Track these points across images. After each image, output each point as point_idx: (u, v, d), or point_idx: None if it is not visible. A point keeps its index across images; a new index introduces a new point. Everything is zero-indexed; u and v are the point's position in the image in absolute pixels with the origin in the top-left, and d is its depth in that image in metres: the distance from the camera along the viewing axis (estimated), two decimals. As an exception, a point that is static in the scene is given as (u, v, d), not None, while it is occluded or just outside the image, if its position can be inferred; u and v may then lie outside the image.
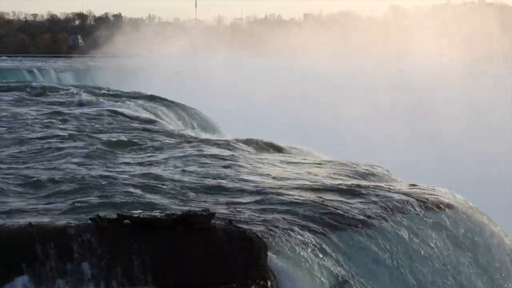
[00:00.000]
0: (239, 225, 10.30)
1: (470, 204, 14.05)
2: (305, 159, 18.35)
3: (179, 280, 9.53)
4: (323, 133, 45.27)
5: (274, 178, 14.58)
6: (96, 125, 22.23)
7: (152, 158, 16.33)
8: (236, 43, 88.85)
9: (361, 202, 12.61)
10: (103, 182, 13.03)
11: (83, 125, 21.97)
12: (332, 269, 10.50)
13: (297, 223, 11.28)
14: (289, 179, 14.55)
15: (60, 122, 22.23)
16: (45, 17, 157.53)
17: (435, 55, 72.54)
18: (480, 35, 75.57)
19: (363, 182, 14.87)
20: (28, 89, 37.65)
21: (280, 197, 12.74)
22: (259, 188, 13.42)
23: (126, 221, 9.78)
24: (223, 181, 13.94)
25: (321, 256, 10.58)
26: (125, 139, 19.30)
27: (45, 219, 10.16)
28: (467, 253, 12.56)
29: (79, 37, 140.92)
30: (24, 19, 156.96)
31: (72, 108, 28.32)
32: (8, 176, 13.66)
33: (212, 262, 9.66)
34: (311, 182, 14.31)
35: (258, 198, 12.65)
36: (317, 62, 70.38)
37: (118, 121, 23.74)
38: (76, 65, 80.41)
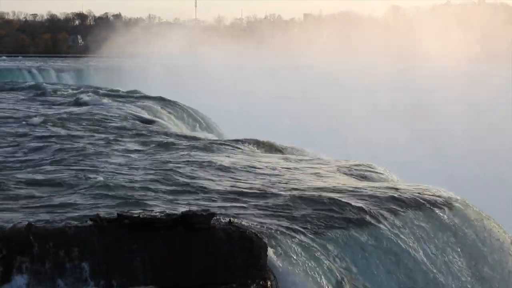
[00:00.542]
0: (238, 225, 10.29)
1: (469, 204, 14.04)
2: (304, 159, 18.34)
3: (179, 280, 9.53)
4: (323, 133, 45.33)
5: (274, 178, 14.57)
6: (95, 125, 22.21)
7: (151, 158, 16.32)
8: (236, 43, 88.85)
9: (361, 203, 12.60)
10: (103, 182, 13.02)
11: (83, 125, 21.95)
12: (331, 269, 10.49)
13: (296, 223, 11.28)
14: (289, 179, 14.54)
15: (59, 122, 22.20)
16: (45, 17, 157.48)
17: (436, 55, 72.51)
18: (481, 35, 75.55)
19: (363, 183, 14.87)
20: (28, 89, 37.67)
21: (280, 197, 12.74)
22: (259, 188, 13.42)
23: (126, 221, 9.77)
24: (222, 181, 13.94)
25: (320, 256, 10.57)
26: (124, 139, 19.30)
27: (45, 219, 10.14)
28: (468, 254, 12.56)
29: (79, 37, 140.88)
30: (24, 19, 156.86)
31: (71, 107, 28.31)
32: (8, 176, 13.65)
33: (212, 262, 9.66)
34: (310, 182, 14.30)
35: (257, 198, 12.65)
36: (318, 62, 70.42)
37: (117, 121, 23.72)
38: (76, 65, 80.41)
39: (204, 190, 13.11)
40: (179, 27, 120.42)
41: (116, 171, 14.33)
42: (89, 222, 9.77)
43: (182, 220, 9.82)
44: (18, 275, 9.11)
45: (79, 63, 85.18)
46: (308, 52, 79.45)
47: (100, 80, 61.55)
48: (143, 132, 21.23)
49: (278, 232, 10.74)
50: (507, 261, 13.07)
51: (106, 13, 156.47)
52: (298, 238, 10.72)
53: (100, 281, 9.31)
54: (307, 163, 17.23)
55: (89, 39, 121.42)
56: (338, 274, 10.49)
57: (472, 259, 12.53)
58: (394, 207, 12.65)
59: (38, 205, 11.45)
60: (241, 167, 15.49)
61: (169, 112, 30.95)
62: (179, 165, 15.37)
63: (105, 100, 30.78)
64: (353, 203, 12.51)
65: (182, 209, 10.79)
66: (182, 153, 17.08)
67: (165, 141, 19.30)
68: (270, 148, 19.91)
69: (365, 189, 13.65)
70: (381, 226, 11.90)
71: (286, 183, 14.06)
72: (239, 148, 18.73)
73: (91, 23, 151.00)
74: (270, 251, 10.04)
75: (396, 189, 13.96)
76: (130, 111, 27.20)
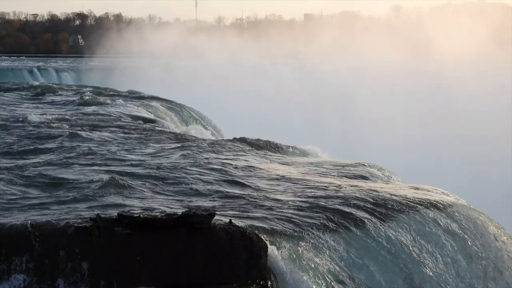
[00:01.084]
0: (239, 224, 10.27)
1: (470, 205, 14.03)
2: (305, 159, 18.34)
3: (179, 280, 9.52)
4: (324, 134, 45.32)
5: (274, 177, 14.56)
6: (96, 125, 22.20)
7: (152, 158, 16.31)
8: (237, 43, 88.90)
9: (361, 203, 12.59)
10: (103, 182, 13.01)
11: (83, 125, 21.94)
12: (332, 269, 10.48)
13: (297, 223, 11.26)
14: (290, 178, 14.53)
15: (59, 122, 22.20)
16: (46, 17, 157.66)
17: (439, 54, 72.43)
18: (486, 34, 75.39)
19: (364, 183, 14.84)
20: (29, 89, 37.68)
21: (280, 197, 12.73)
22: (259, 188, 13.41)
23: (126, 221, 9.76)
24: (223, 181, 13.93)
25: (321, 256, 10.56)
26: (125, 139, 19.29)
27: (45, 219, 10.13)
28: (468, 254, 12.55)
29: (79, 37, 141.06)
30: (24, 19, 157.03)
31: (72, 107, 28.32)
32: (8, 175, 13.65)
33: (212, 262, 9.65)
34: (311, 182, 14.29)
35: (258, 198, 12.64)
36: (320, 62, 70.51)
37: (118, 121, 23.72)
38: (77, 65, 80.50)
39: (203, 189, 13.10)
40: (180, 27, 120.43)
41: (117, 171, 14.32)
42: (90, 222, 9.75)
43: (183, 220, 9.81)
44: (18, 275, 9.11)
45: (79, 63, 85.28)
46: (309, 52, 79.49)
47: (100, 80, 61.63)
48: (144, 131, 21.22)
49: (279, 232, 10.73)
50: (509, 264, 13.05)
51: (106, 13, 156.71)
52: (299, 238, 10.71)
53: (101, 281, 9.30)
54: (308, 163, 17.22)
55: (90, 39, 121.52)
56: (338, 275, 10.48)
57: (473, 261, 12.52)
58: (395, 207, 12.63)
59: (38, 204, 11.44)
60: (241, 167, 15.48)
61: (170, 112, 30.97)
62: (179, 165, 15.36)
63: (106, 100, 30.79)
64: (354, 203, 12.50)
65: (183, 209, 10.78)
66: (182, 153, 17.07)
67: (165, 140, 19.30)
68: (269, 146, 19.89)
69: (366, 189, 13.64)
70: (383, 226, 11.88)
71: (286, 183, 14.05)
72: (238, 147, 18.71)
73: (92, 23, 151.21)
74: (270, 251, 10.02)
75: (398, 189, 13.95)
76: (130, 111, 27.20)
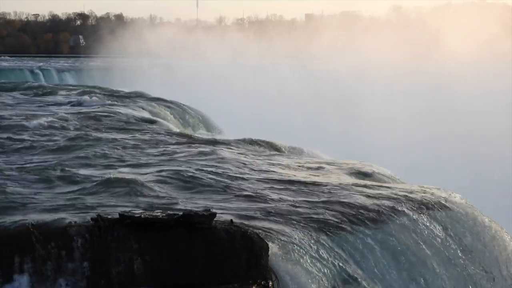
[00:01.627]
0: (240, 225, 10.29)
1: (471, 204, 14.04)
2: (306, 159, 18.34)
3: (180, 280, 9.53)
4: (327, 134, 45.30)
5: (275, 178, 14.57)
6: (97, 125, 22.23)
7: (152, 158, 16.33)
8: (238, 43, 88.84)
9: (363, 203, 12.60)
10: (104, 182, 13.03)
11: (84, 125, 21.96)
12: (333, 269, 10.49)
13: (298, 223, 11.27)
14: (291, 179, 14.54)
15: (60, 122, 22.22)
16: (47, 17, 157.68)
17: (444, 52, 72.24)
18: (486, 34, 75.23)
19: (365, 183, 14.85)
20: (30, 89, 37.71)
21: (281, 197, 12.74)
22: (260, 188, 13.42)
23: (128, 221, 9.78)
24: (223, 181, 13.93)
25: (322, 256, 10.57)
26: (126, 139, 19.30)
27: (47, 219, 10.15)
28: (469, 254, 12.56)
29: (80, 37, 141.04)
30: (25, 19, 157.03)
31: (72, 108, 28.34)
32: (9, 176, 13.67)
33: (213, 262, 9.66)
34: (312, 182, 14.30)
35: (258, 197, 12.65)
36: (322, 61, 70.42)
37: (119, 121, 23.75)
38: (78, 65, 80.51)
39: (204, 189, 13.11)
40: (181, 27, 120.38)
41: (117, 171, 14.34)
42: (91, 222, 9.77)
43: (184, 220, 9.82)
44: (20, 275, 9.13)
45: (80, 63, 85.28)
46: (309, 52, 79.42)
47: (101, 80, 61.58)
48: (146, 132, 21.24)
49: (280, 232, 10.74)
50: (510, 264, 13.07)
51: (107, 13, 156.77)
52: (300, 238, 10.72)
53: (101, 281, 9.32)
54: (309, 163, 17.22)
55: (91, 39, 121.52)
56: (341, 275, 10.49)
57: (474, 261, 12.53)
58: (396, 207, 12.64)
59: (39, 204, 11.46)
60: (242, 167, 15.49)
61: (171, 112, 30.99)
62: (179, 165, 15.38)
63: (107, 101, 30.82)
64: (355, 204, 12.51)
65: (184, 209, 10.80)
66: (182, 153, 17.09)
67: (166, 141, 19.31)
68: (269, 146, 19.91)
69: (368, 189, 13.65)
70: (385, 226, 11.89)
71: (287, 183, 14.06)
72: (238, 147, 18.73)
73: (93, 23, 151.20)
74: (271, 251, 10.04)
75: (399, 189, 13.96)
76: (131, 111, 27.22)
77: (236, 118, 42.87)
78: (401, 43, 75.98)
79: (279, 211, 11.80)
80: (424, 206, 12.95)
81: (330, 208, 12.14)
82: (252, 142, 19.94)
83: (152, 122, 25.10)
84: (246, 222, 10.66)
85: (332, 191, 13.43)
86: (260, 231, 10.37)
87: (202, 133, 27.07)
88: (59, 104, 30.11)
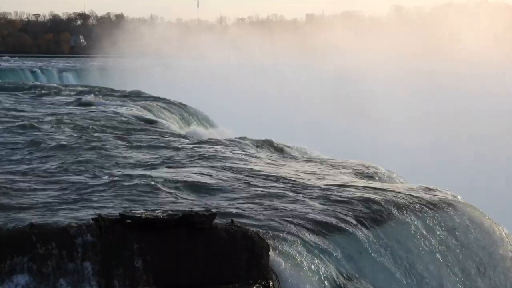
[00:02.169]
0: (241, 225, 10.28)
1: (472, 205, 14.03)
2: (306, 159, 18.34)
3: (180, 280, 9.53)
4: (327, 134, 45.32)
5: (276, 177, 14.57)
6: (97, 125, 22.23)
7: (153, 158, 16.33)
8: (238, 43, 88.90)
9: (364, 203, 12.59)
10: (105, 182, 13.03)
11: (84, 125, 21.97)
12: (334, 269, 10.49)
13: (299, 223, 11.27)
14: (291, 179, 14.53)
15: (61, 122, 22.23)
16: (47, 17, 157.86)
17: (444, 52, 72.26)
18: (486, 34, 75.24)
19: (369, 183, 14.85)
20: (31, 89, 37.74)
21: (282, 197, 12.74)
22: (261, 188, 13.41)
23: (128, 221, 9.78)
24: (224, 181, 13.94)
25: (323, 256, 10.57)
26: (126, 139, 19.31)
27: (47, 219, 10.15)
28: (469, 254, 12.55)
29: (81, 37, 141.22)
30: (26, 19, 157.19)
31: (73, 108, 28.35)
32: (9, 176, 13.67)
33: (214, 262, 9.65)
34: (313, 182, 14.30)
35: (259, 197, 12.65)
36: (324, 62, 70.47)
37: (119, 121, 23.75)
38: (78, 65, 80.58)
39: (204, 189, 13.11)
40: (182, 27, 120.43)
41: (118, 171, 14.34)
42: (91, 222, 9.77)
43: (184, 220, 9.82)
44: (20, 275, 9.12)
45: (81, 63, 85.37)
46: (310, 52, 79.47)
47: (102, 80, 61.68)
48: (146, 132, 21.25)
49: (281, 232, 10.74)
50: (509, 265, 13.05)
51: (108, 13, 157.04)
52: (301, 238, 10.72)
53: (102, 281, 9.32)
54: (311, 162, 17.23)
55: (91, 39, 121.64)
56: (341, 275, 10.49)
57: (474, 261, 12.52)
58: (397, 207, 12.63)
59: (40, 204, 11.46)
60: (242, 167, 15.49)
61: (171, 112, 31.00)
62: (179, 164, 15.38)
63: (108, 101, 30.84)
64: (356, 204, 12.50)
65: (185, 209, 10.79)
66: (182, 152, 17.09)
67: (166, 141, 19.32)
68: (271, 147, 19.92)
69: (370, 189, 13.64)
70: (386, 227, 11.88)
71: (287, 183, 14.06)
72: (240, 148, 18.73)
73: (93, 23, 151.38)
74: (272, 251, 10.03)
75: (400, 189, 13.95)
76: (132, 111, 27.23)
77: (236, 118, 42.87)
78: (401, 43, 76.04)
79: (280, 211, 11.80)
80: (426, 206, 12.94)
81: (332, 208, 12.14)
82: (253, 142, 19.95)
83: (152, 122, 25.12)
84: (247, 222, 10.66)
85: (334, 191, 13.43)
86: (261, 231, 10.37)
87: (202, 133, 27.07)
88: (60, 104, 30.12)
